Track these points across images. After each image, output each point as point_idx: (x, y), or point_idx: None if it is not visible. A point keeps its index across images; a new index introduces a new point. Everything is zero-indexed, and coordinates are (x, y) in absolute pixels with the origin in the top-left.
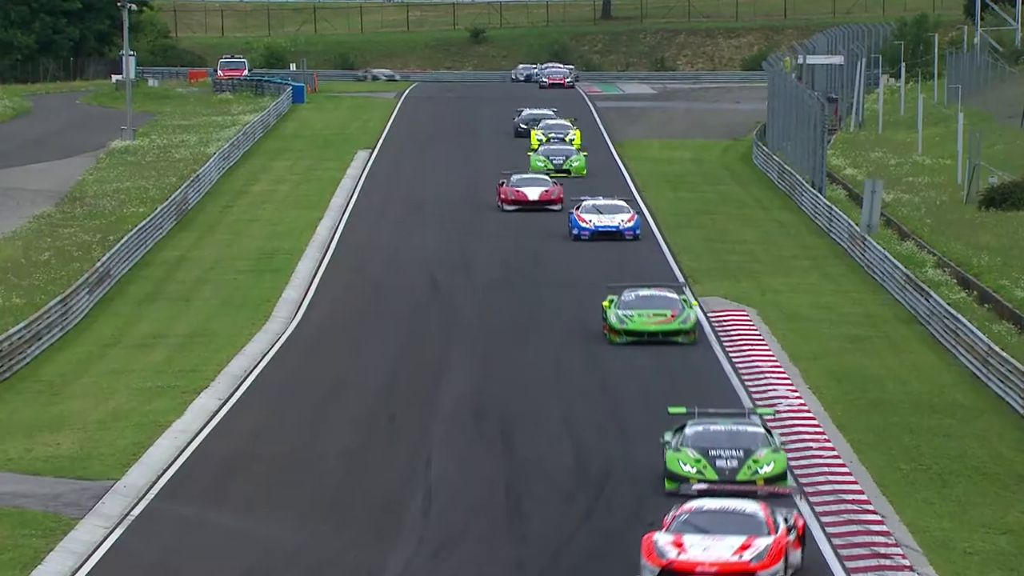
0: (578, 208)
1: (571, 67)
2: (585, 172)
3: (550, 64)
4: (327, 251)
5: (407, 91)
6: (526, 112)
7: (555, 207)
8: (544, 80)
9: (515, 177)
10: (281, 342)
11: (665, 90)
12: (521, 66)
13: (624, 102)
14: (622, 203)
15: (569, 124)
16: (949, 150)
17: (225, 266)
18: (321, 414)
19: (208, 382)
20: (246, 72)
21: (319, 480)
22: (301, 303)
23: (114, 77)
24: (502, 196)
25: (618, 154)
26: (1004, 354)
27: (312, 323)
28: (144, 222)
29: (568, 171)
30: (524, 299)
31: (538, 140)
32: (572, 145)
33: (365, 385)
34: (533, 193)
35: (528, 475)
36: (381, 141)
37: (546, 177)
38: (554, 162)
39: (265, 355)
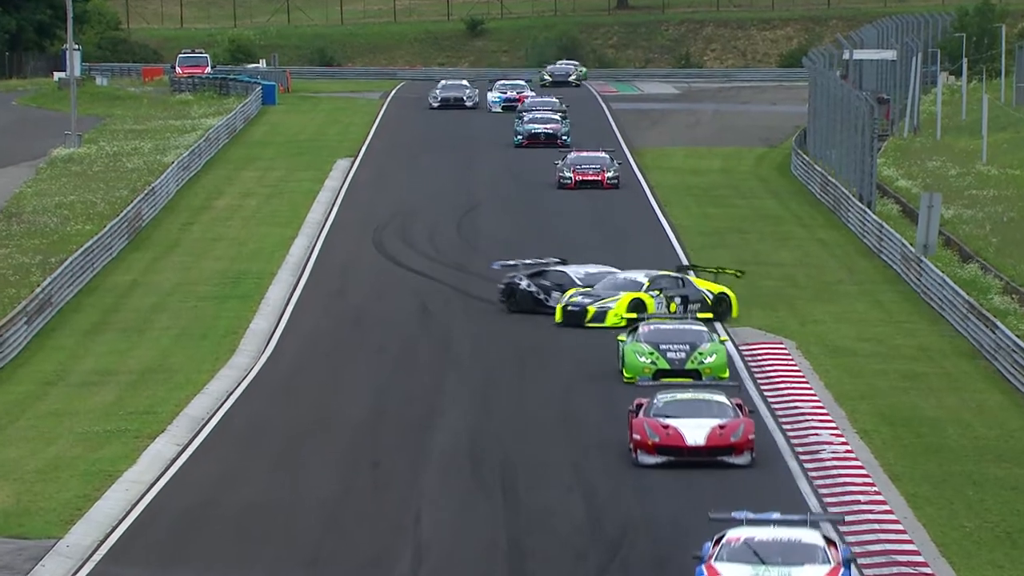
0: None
1: (574, 63)
2: None
3: (559, 63)
4: (302, 274)
5: (393, 91)
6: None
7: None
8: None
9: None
10: (249, 379)
11: (690, 90)
12: (499, 83)
13: (643, 103)
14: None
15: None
16: (1019, 158)
17: (184, 292)
18: (294, 461)
19: (164, 425)
20: (208, 69)
21: (292, 536)
22: (272, 334)
23: (56, 75)
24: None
25: (636, 163)
26: None
27: (284, 357)
28: (91, 241)
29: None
30: (526, 329)
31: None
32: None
33: (345, 427)
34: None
35: (533, 531)
36: (364, 149)
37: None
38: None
39: (230, 394)
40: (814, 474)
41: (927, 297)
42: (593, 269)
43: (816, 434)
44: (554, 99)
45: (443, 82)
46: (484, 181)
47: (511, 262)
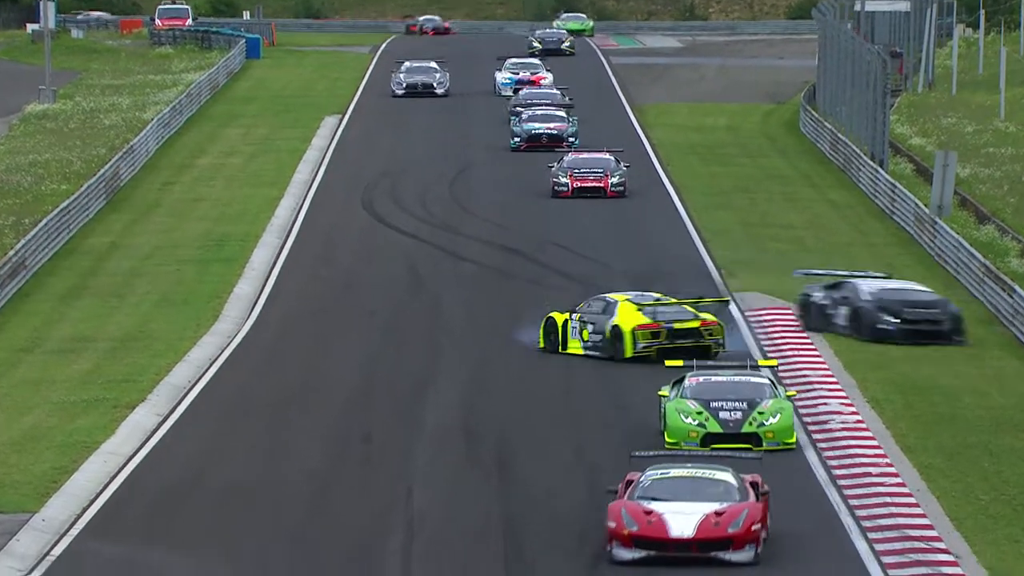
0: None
1: (579, 17)
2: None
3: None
4: (288, 237)
5: (384, 45)
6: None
7: None
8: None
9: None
10: (233, 346)
11: (694, 43)
12: (510, 62)
13: (645, 57)
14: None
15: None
16: None
17: (165, 255)
18: (281, 433)
19: (144, 395)
20: (189, 21)
21: (279, 513)
22: (257, 300)
23: (30, 27)
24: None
25: (637, 120)
26: None
27: (270, 323)
28: (67, 202)
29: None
30: (524, 295)
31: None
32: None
33: (334, 398)
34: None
35: (530, 510)
36: (352, 105)
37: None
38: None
39: (213, 362)
40: (823, 445)
41: (942, 260)
42: (892, 285)
43: (825, 403)
44: (556, 91)
45: (407, 64)
46: (478, 139)
47: (816, 271)
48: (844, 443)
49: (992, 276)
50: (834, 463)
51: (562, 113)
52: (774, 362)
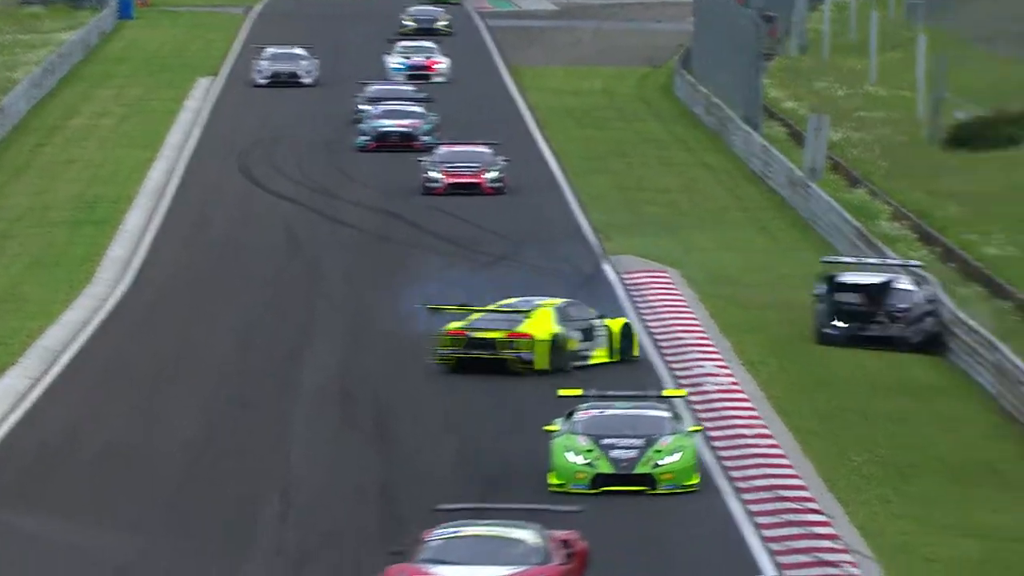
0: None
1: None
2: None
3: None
4: (162, 200)
5: (259, 7)
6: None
7: None
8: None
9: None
10: (107, 310)
11: (570, 6)
12: (401, 45)
13: (520, 20)
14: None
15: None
16: (909, 79)
17: (36, 217)
18: (157, 398)
19: (15, 358)
20: None
21: (155, 479)
22: (131, 262)
23: None
24: None
25: (513, 83)
26: (971, 323)
27: (145, 287)
28: None
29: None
30: (402, 259)
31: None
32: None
33: (210, 362)
34: None
35: (406, 474)
36: (228, 66)
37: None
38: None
39: (87, 325)
40: (699, 407)
41: (814, 223)
42: (867, 280)
43: (700, 366)
44: (410, 87)
45: (270, 50)
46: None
47: (846, 259)
48: (719, 405)
49: (864, 239)
50: (709, 425)
51: (418, 108)
52: (683, 392)
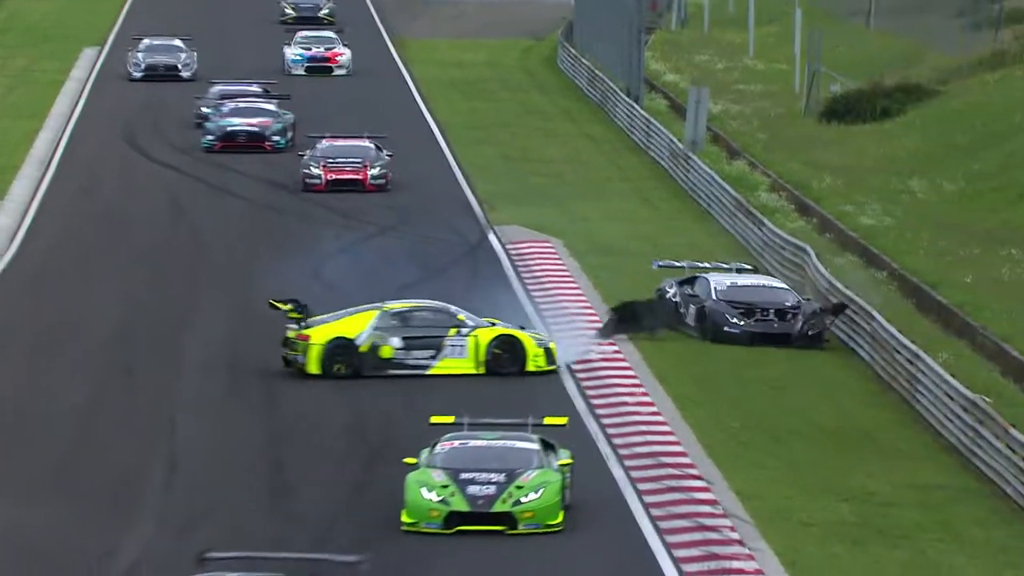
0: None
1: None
2: None
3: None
4: (48, 169)
5: None
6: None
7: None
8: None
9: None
10: None
11: None
12: (301, 36)
13: None
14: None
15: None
16: (785, 53)
17: None
18: (42, 366)
19: None
20: None
21: (39, 446)
22: (16, 233)
23: None
24: None
25: (398, 55)
26: (848, 292)
27: (30, 256)
28: None
29: None
30: (290, 228)
31: None
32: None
33: (96, 331)
34: None
35: (293, 439)
36: (112, 37)
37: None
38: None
39: None
40: (582, 375)
41: (695, 194)
42: (746, 281)
43: (583, 334)
44: (256, 86)
45: (146, 41)
46: (247, 68)
47: (677, 263)
48: (602, 373)
49: (743, 210)
50: (592, 393)
51: (270, 107)
52: (564, 420)
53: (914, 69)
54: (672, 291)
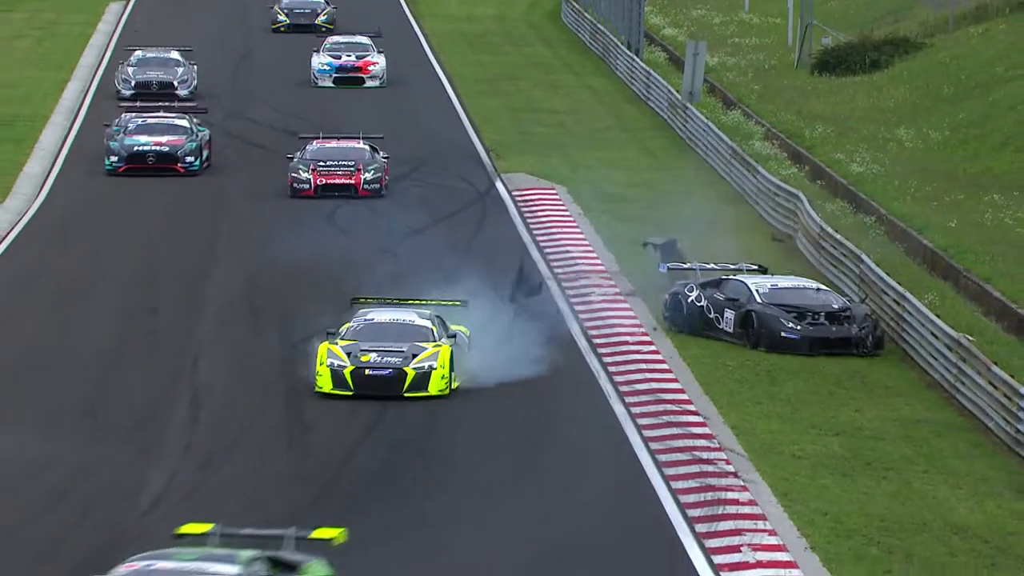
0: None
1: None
2: None
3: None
4: (76, 119)
5: None
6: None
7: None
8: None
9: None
10: (22, 224)
11: None
12: (331, 42)
13: None
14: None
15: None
16: (779, 7)
17: None
18: (71, 308)
19: None
20: None
21: (69, 384)
22: (46, 178)
23: None
24: None
25: (410, 11)
26: (838, 236)
27: (59, 202)
28: None
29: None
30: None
31: None
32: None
33: (123, 274)
34: None
35: (311, 377)
36: None
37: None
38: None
39: (3, 239)
40: (584, 315)
41: (692, 143)
42: (787, 283)
43: (587, 278)
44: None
45: (139, 54)
46: (260, 25)
47: (685, 265)
48: (604, 314)
49: (738, 158)
50: (594, 333)
51: (183, 122)
52: (337, 532)
53: (902, 23)
54: (694, 294)
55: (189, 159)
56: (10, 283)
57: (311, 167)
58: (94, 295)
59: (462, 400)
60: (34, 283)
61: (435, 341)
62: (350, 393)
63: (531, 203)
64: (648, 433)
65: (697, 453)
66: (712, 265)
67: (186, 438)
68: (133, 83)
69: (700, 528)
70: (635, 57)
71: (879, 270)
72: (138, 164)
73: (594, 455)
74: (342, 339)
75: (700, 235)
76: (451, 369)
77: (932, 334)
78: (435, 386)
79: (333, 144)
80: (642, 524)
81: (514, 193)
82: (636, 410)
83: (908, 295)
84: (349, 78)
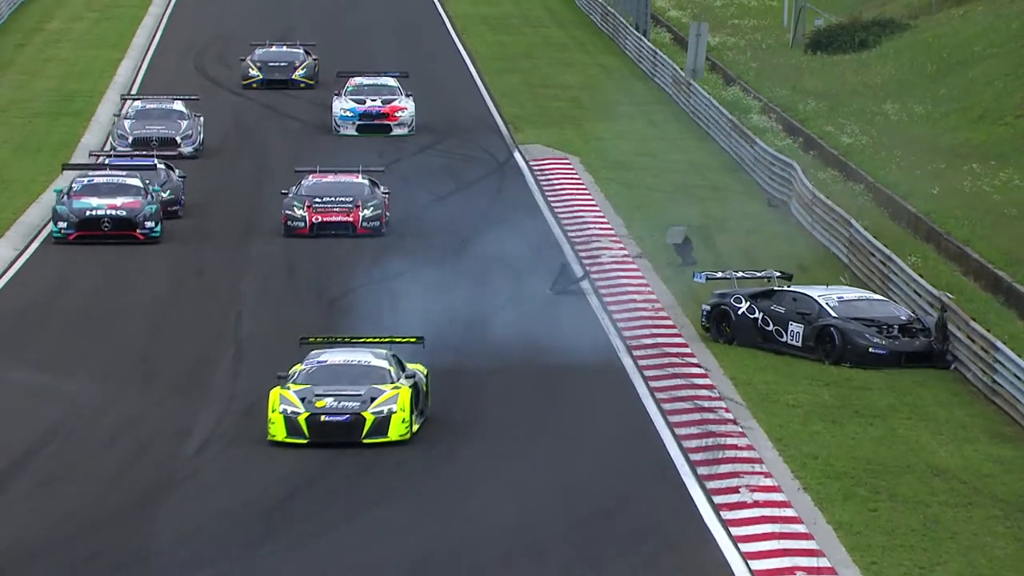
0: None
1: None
2: None
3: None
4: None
5: None
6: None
7: None
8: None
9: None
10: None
11: None
12: (355, 83)
13: None
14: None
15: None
16: None
17: (20, 108)
18: (124, 267)
19: (2, 231)
20: None
21: (124, 336)
22: (102, 148)
23: None
24: None
25: None
26: (829, 202)
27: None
28: None
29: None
30: (341, 148)
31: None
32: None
33: (171, 237)
34: None
35: (344, 332)
36: None
37: None
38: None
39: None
40: (595, 275)
41: (695, 117)
42: (850, 295)
43: (598, 240)
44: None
45: (137, 105)
46: (299, 5)
47: (719, 274)
48: (613, 275)
49: (737, 130)
50: (605, 291)
51: (135, 181)
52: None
53: (888, 5)
54: (745, 306)
55: (149, 224)
56: (71, 245)
57: (306, 203)
58: (146, 256)
59: (484, 352)
60: (92, 244)
61: (393, 382)
62: (304, 441)
63: (546, 172)
64: (654, 384)
65: (699, 402)
66: (741, 273)
67: (230, 388)
68: (130, 139)
69: (701, 471)
70: (642, 37)
71: (867, 233)
72: (90, 231)
73: (603, 403)
74: (295, 383)
75: (703, 201)
76: (412, 411)
77: (915, 292)
78: (396, 431)
79: (330, 179)
80: (648, 467)
81: (531, 162)
82: (643, 363)
83: (893, 256)
84: (374, 125)
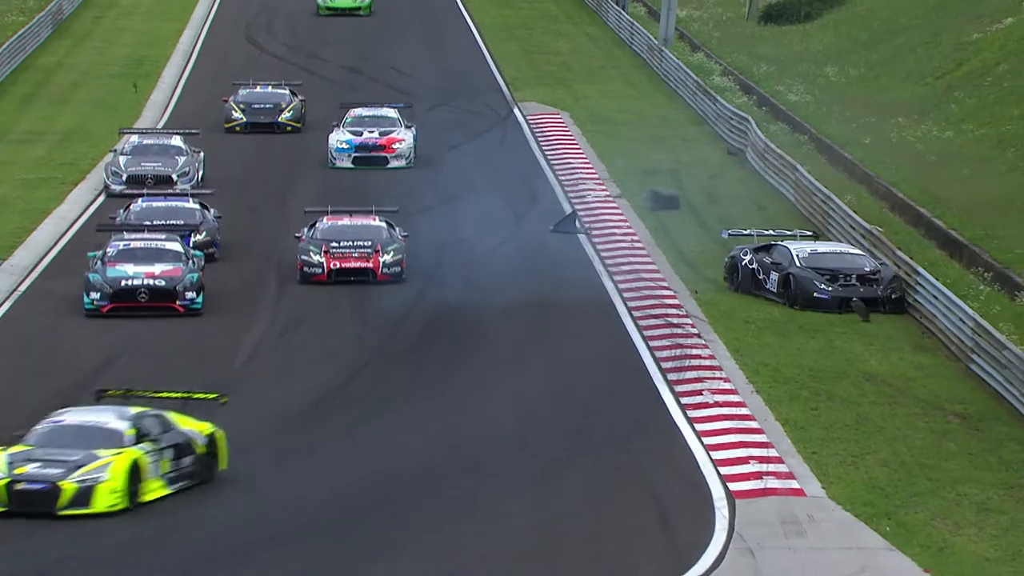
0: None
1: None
2: None
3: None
4: (190, 59)
5: None
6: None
7: None
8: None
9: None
10: None
11: None
12: (354, 113)
13: None
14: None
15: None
16: None
17: (98, 71)
18: None
19: (85, 175)
20: None
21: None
22: (167, 105)
23: None
24: None
25: None
26: (778, 151)
27: (176, 124)
28: (23, 30)
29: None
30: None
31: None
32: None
33: (225, 176)
34: None
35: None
36: None
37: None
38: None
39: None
40: (584, 214)
41: (666, 79)
42: (825, 248)
43: (584, 182)
44: (187, 202)
45: (132, 140)
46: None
47: (745, 231)
48: (600, 214)
49: (702, 90)
50: (590, 226)
51: (175, 246)
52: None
53: None
54: (747, 258)
55: (190, 295)
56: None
57: (323, 249)
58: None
59: (489, 280)
60: (127, 319)
61: (121, 447)
62: (4, 510)
63: (541, 125)
64: (631, 303)
65: (669, 319)
66: (771, 231)
67: (272, 311)
68: (124, 176)
69: (671, 376)
70: (622, 11)
71: (810, 177)
72: (126, 303)
73: (588, 321)
74: (23, 444)
75: (673, 150)
76: (132, 480)
77: (851, 226)
78: (103, 502)
79: (346, 221)
80: (626, 374)
81: (528, 117)
82: (623, 286)
83: (833, 196)
84: (370, 158)
